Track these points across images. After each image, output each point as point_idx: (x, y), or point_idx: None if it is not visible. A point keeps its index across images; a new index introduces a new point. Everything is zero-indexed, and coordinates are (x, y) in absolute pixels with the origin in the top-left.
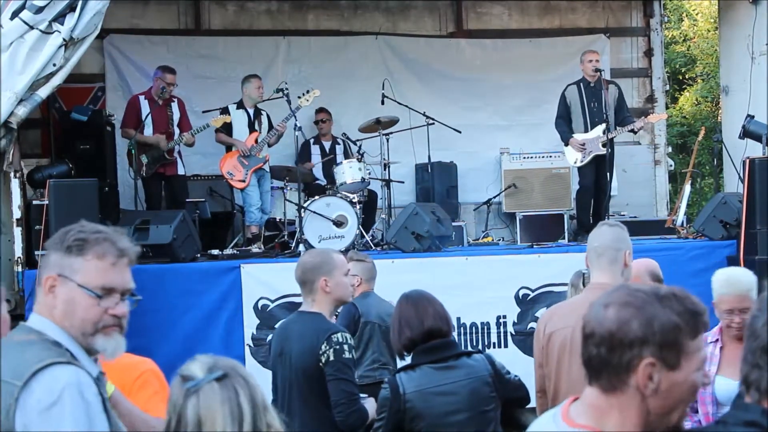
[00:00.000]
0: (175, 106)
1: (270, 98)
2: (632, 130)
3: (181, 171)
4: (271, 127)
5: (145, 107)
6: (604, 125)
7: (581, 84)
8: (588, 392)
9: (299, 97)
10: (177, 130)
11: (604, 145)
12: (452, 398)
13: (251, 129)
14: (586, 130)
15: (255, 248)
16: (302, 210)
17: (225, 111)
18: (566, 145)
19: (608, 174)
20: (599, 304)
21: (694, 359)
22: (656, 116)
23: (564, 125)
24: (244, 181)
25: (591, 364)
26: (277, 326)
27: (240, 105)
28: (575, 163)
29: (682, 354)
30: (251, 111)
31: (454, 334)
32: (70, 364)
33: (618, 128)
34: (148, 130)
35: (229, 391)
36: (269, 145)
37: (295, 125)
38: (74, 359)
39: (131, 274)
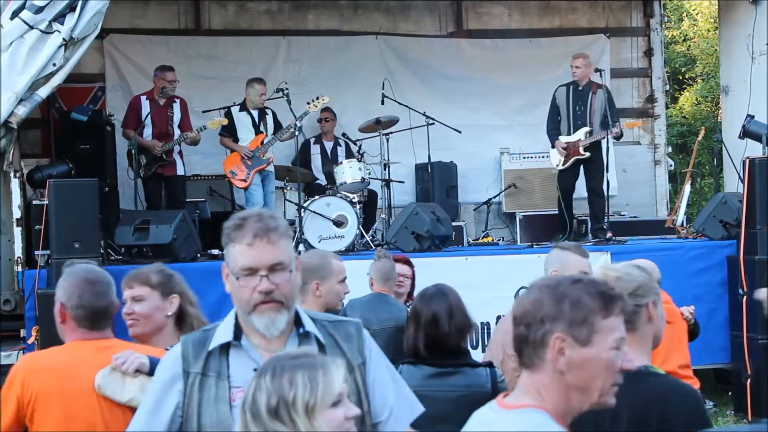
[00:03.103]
0: (176, 106)
1: (270, 98)
2: (615, 136)
3: (180, 171)
4: (277, 126)
5: (145, 107)
6: (586, 128)
7: (570, 86)
8: (521, 377)
9: (308, 103)
10: (177, 131)
11: (586, 149)
12: (443, 406)
13: (256, 131)
14: (569, 133)
15: None
16: (302, 210)
17: (227, 112)
18: (552, 146)
19: (601, 175)
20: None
21: (608, 338)
22: (631, 123)
23: (551, 127)
24: (245, 180)
25: (516, 344)
26: None
27: (243, 107)
28: (557, 165)
29: (593, 331)
30: (255, 112)
31: None
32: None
33: (601, 132)
34: (148, 131)
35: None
36: (281, 140)
37: (296, 125)
38: (203, 334)
39: (279, 249)
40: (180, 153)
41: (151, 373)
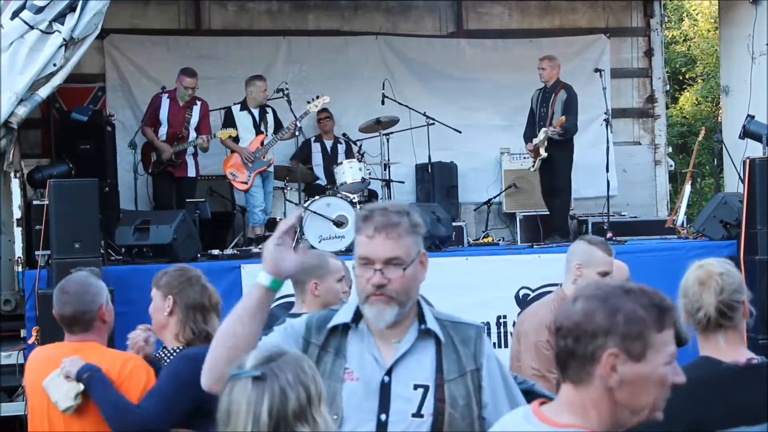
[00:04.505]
0: (196, 108)
1: (270, 98)
2: (558, 134)
3: (191, 173)
4: (277, 124)
5: (164, 106)
6: (545, 129)
7: (541, 90)
8: (563, 390)
9: (308, 102)
10: (193, 133)
11: (546, 149)
12: None
13: (257, 131)
14: (536, 135)
15: (255, 248)
16: (302, 210)
17: (228, 111)
18: (526, 149)
19: (559, 174)
20: (570, 300)
21: (662, 352)
22: (559, 120)
23: (525, 132)
24: (246, 183)
25: (560, 357)
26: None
27: (243, 106)
28: (530, 168)
29: (647, 346)
30: (256, 111)
31: None
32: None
33: (547, 130)
34: (163, 130)
35: (257, 395)
36: (282, 140)
37: (296, 124)
38: (328, 313)
39: (397, 245)
40: (194, 155)
41: (77, 379)
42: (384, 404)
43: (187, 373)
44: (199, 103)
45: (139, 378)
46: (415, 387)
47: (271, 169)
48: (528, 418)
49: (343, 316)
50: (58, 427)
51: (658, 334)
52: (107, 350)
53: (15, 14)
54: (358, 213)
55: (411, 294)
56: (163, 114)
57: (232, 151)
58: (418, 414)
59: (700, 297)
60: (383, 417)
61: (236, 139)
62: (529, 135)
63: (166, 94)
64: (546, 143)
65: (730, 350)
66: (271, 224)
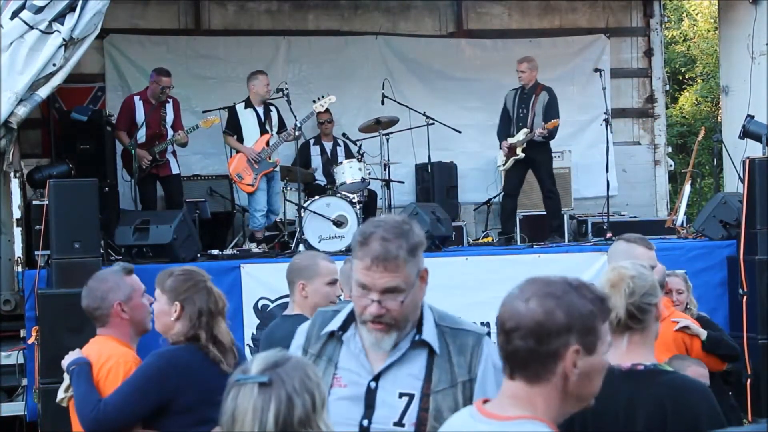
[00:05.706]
0: (169, 106)
1: (271, 98)
2: (543, 136)
3: (175, 170)
4: (281, 123)
5: (139, 108)
6: (525, 130)
7: (518, 90)
8: (508, 386)
9: (314, 102)
10: (170, 131)
11: (524, 150)
12: None
13: (262, 130)
14: (513, 135)
15: (255, 248)
16: (302, 210)
17: (232, 109)
18: (500, 147)
19: (548, 175)
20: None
21: (605, 342)
22: (552, 123)
23: (499, 130)
24: (252, 185)
25: (517, 357)
26: (263, 332)
27: (248, 104)
28: (499, 166)
29: (597, 338)
30: (260, 109)
31: None
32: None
33: (530, 132)
34: (142, 131)
35: (264, 401)
36: (287, 141)
37: (296, 125)
38: (332, 314)
39: (395, 276)
40: (173, 153)
41: (68, 372)
42: (368, 410)
43: (153, 369)
44: (171, 100)
45: (116, 375)
46: (400, 395)
47: (277, 169)
48: (474, 416)
49: (335, 323)
50: (66, 419)
51: (603, 325)
52: (107, 344)
53: (15, 14)
54: (356, 233)
55: (410, 317)
56: (140, 116)
57: (237, 152)
58: (399, 423)
59: (611, 299)
60: (365, 423)
61: (240, 138)
62: (502, 134)
63: (138, 96)
64: (525, 144)
65: (630, 353)
66: (270, 224)
